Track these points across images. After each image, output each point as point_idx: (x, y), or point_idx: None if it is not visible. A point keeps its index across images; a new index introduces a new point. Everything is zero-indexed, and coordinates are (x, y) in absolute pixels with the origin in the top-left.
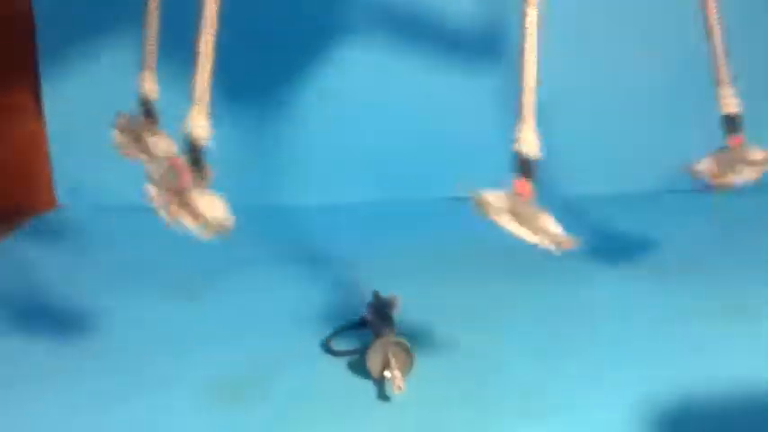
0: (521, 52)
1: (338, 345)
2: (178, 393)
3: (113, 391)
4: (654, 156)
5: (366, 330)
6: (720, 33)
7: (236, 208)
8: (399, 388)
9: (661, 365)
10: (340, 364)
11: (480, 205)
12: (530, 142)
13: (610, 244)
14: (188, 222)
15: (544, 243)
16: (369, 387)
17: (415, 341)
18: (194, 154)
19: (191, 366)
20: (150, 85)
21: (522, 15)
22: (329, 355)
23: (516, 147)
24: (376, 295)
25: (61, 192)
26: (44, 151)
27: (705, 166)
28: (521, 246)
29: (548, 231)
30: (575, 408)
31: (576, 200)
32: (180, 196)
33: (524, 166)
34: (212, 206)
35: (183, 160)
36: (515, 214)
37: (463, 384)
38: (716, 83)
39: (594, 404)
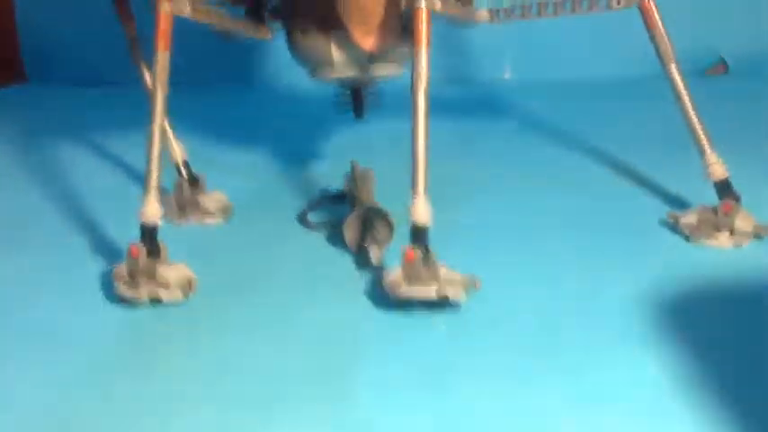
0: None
1: (315, 218)
2: None
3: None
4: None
5: (345, 204)
6: (690, 102)
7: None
8: (377, 260)
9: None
10: (318, 238)
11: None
12: (420, 212)
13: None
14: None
15: (449, 294)
16: (347, 260)
17: (396, 213)
18: (148, 238)
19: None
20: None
21: None
22: (306, 229)
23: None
24: (353, 166)
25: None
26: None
27: (687, 220)
28: (508, 128)
29: (451, 280)
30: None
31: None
32: (145, 275)
33: (415, 234)
34: (176, 272)
35: (139, 245)
36: (411, 278)
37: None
38: (699, 153)
39: (588, 268)
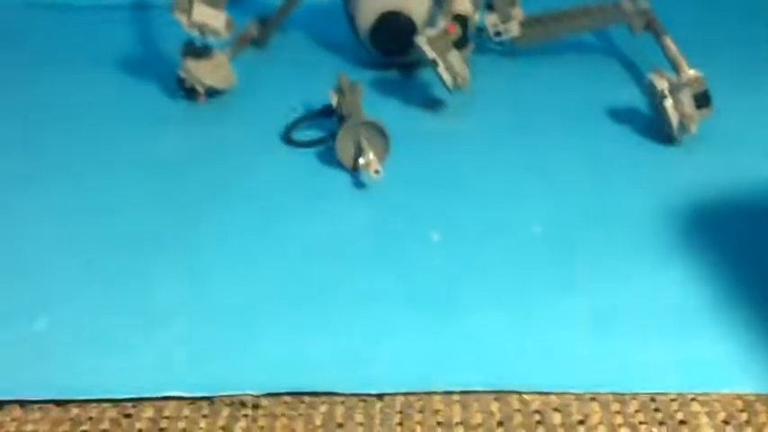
0: None
1: (302, 136)
2: (124, 174)
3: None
4: None
5: (331, 120)
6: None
7: None
8: (376, 172)
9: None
10: (307, 157)
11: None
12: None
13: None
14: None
15: (445, 75)
16: (343, 177)
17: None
18: None
19: (134, 147)
20: None
21: None
22: (293, 148)
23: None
24: (341, 78)
25: None
26: None
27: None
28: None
29: (452, 66)
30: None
31: None
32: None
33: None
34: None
35: None
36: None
37: (438, 166)
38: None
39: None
